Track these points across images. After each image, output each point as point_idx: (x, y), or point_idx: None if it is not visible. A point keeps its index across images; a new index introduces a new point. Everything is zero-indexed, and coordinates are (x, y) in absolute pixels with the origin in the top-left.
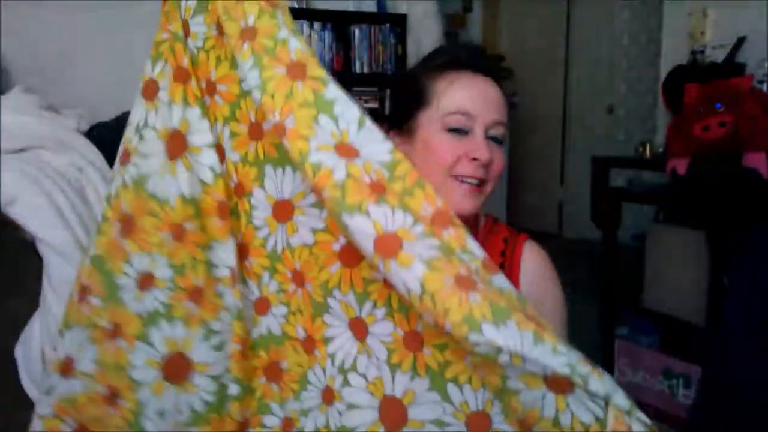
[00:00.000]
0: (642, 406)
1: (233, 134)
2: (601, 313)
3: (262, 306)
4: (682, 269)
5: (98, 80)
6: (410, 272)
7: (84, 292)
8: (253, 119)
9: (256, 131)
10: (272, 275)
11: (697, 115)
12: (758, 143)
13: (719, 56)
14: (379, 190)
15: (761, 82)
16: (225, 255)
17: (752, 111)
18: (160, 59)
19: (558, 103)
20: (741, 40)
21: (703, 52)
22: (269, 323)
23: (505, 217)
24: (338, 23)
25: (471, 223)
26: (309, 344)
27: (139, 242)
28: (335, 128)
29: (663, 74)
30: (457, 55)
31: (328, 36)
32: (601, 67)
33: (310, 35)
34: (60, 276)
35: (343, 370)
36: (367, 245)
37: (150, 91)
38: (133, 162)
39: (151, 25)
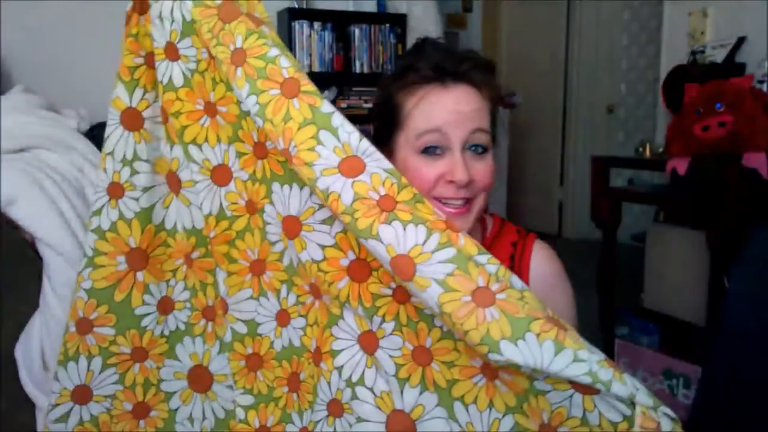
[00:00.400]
0: None
1: (239, 154)
2: (601, 313)
3: (283, 318)
4: (682, 269)
5: (98, 80)
6: (427, 294)
7: (86, 324)
8: (255, 139)
9: (260, 150)
10: (290, 288)
11: (697, 115)
12: (758, 143)
13: (719, 56)
14: (388, 205)
15: (761, 82)
16: (230, 279)
17: (752, 111)
18: (138, 87)
19: (558, 103)
20: (741, 40)
21: (703, 52)
22: (290, 335)
23: (505, 218)
24: (338, 23)
25: (479, 226)
26: (317, 357)
27: (155, 273)
28: (337, 142)
29: (663, 74)
30: (421, 68)
31: (328, 36)
32: (601, 67)
33: (310, 35)
34: (60, 276)
35: (351, 384)
36: (387, 267)
37: (133, 121)
38: (131, 196)
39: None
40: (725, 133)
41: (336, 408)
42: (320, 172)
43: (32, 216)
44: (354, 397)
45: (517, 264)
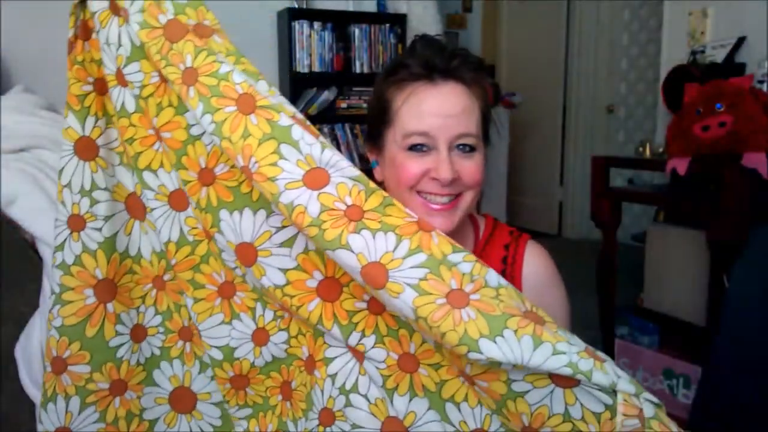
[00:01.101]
0: None
1: (184, 181)
2: (601, 313)
3: (260, 337)
4: (682, 269)
5: None
6: (401, 300)
7: (60, 363)
8: (203, 164)
9: (206, 176)
10: (265, 306)
11: (697, 115)
12: (758, 143)
13: (719, 56)
14: (356, 215)
15: (761, 82)
16: (198, 305)
17: (752, 111)
18: (89, 115)
19: (558, 103)
20: (741, 40)
21: (703, 52)
22: (272, 351)
23: (505, 218)
24: (338, 23)
25: (471, 228)
26: (310, 364)
27: (125, 301)
28: (299, 155)
29: (663, 74)
30: (411, 64)
31: (328, 36)
32: (601, 67)
33: (310, 35)
34: None
35: (344, 391)
36: (356, 277)
37: (87, 150)
38: (93, 227)
39: None
40: (725, 133)
41: (327, 417)
42: (284, 187)
43: (32, 216)
44: (348, 404)
45: (510, 267)
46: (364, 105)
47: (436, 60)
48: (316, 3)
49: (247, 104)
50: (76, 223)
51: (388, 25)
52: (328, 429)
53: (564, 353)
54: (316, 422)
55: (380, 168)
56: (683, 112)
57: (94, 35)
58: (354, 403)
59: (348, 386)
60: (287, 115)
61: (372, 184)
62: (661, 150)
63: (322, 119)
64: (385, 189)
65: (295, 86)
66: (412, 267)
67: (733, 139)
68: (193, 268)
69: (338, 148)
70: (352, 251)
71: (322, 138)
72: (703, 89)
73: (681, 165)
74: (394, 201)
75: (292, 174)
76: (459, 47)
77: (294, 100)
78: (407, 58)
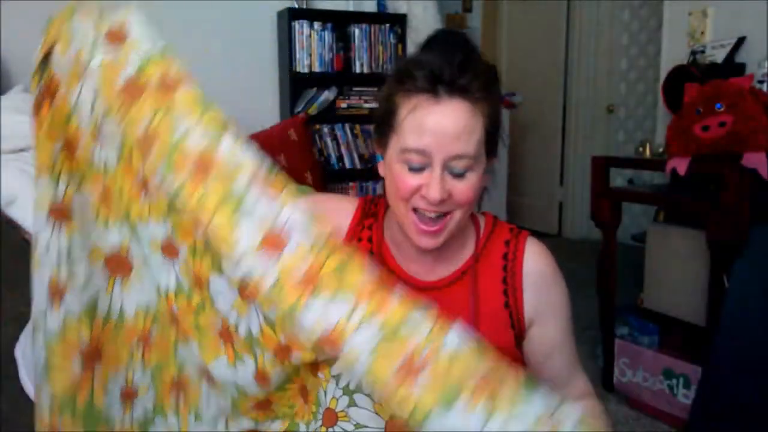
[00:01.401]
0: (642, 406)
1: (175, 228)
2: (601, 312)
3: (263, 379)
4: (682, 269)
5: None
6: (358, 365)
7: None
8: None
9: None
10: (264, 350)
11: (697, 115)
12: (758, 143)
13: (719, 56)
14: (313, 279)
15: (761, 82)
16: (190, 356)
17: (752, 111)
18: (61, 179)
19: (558, 103)
20: (741, 40)
21: (703, 52)
22: (275, 380)
23: (505, 218)
24: (338, 23)
25: (471, 227)
26: (314, 366)
27: (113, 363)
28: (257, 218)
29: (663, 74)
30: (417, 75)
31: (328, 36)
32: (601, 67)
33: (310, 35)
34: None
35: (348, 391)
36: (313, 341)
37: (62, 216)
38: (74, 294)
39: (151, 24)
40: (725, 133)
41: (330, 417)
42: (241, 253)
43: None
44: (352, 404)
45: (510, 263)
46: (365, 105)
47: (445, 72)
48: (316, 3)
49: (202, 170)
50: (56, 292)
51: (388, 25)
52: (330, 429)
53: (520, 418)
54: (320, 422)
55: (383, 164)
56: (683, 112)
57: (62, 90)
58: (358, 402)
59: (352, 386)
60: (246, 175)
61: (332, 243)
62: (661, 150)
63: (322, 119)
64: (385, 185)
65: (295, 86)
66: (367, 334)
67: (733, 139)
68: (195, 312)
69: (338, 148)
70: (310, 318)
71: (285, 191)
72: (703, 89)
73: (681, 165)
74: (353, 259)
75: (250, 239)
76: (471, 57)
77: (294, 100)
78: (416, 66)
